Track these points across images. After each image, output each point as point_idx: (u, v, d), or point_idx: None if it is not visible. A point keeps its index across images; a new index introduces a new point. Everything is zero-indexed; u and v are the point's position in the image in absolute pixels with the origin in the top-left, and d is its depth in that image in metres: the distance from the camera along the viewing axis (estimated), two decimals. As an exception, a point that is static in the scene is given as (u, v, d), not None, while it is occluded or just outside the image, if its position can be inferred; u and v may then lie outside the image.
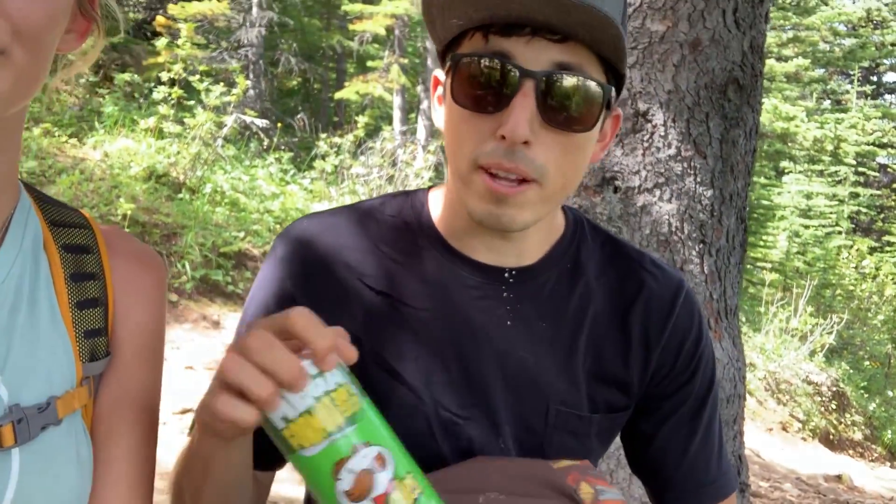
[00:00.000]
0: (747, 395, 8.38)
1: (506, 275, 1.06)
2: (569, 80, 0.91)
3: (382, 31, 12.15)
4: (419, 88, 13.81)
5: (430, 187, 1.15)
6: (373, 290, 1.05)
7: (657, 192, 2.19)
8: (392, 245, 1.08)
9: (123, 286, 0.92)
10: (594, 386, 1.08)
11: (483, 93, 0.93)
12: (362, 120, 9.95)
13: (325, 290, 1.05)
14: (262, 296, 1.08)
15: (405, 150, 10.52)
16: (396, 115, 13.15)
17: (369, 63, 13.53)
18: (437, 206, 1.10)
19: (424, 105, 13.10)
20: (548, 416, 1.06)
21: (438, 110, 1.07)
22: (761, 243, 13.75)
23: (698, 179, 2.21)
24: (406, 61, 13.49)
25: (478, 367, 1.04)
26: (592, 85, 0.93)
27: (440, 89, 1.06)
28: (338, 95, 12.94)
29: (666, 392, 1.12)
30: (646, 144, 2.20)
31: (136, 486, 0.90)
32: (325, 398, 0.75)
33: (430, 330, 1.04)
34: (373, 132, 11.32)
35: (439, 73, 1.06)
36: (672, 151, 2.20)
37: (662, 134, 2.20)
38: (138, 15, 11.86)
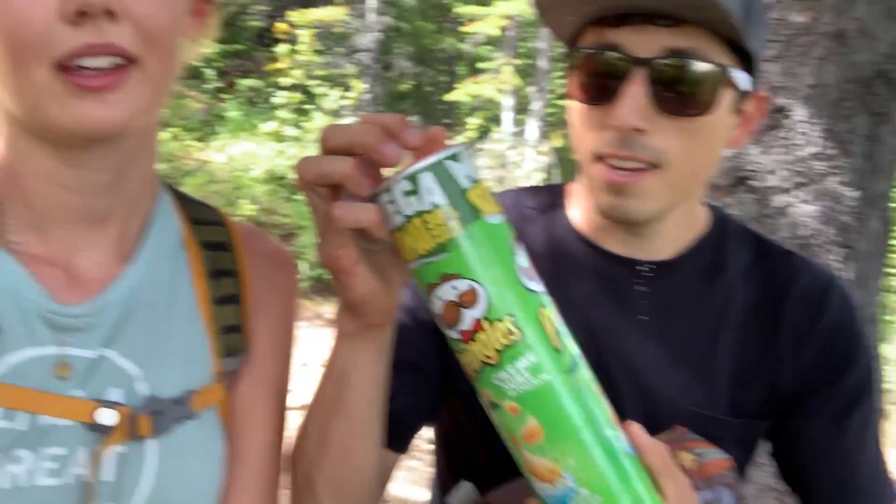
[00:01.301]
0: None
1: (641, 268, 1.04)
2: (678, 64, 0.90)
3: (495, 32, 12.16)
4: (531, 89, 13.73)
5: (567, 182, 1.15)
6: None
7: (796, 193, 2.08)
8: (528, 237, 1.06)
9: (259, 284, 0.94)
10: (735, 388, 1.03)
11: (595, 85, 0.93)
12: (473, 121, 9.98)
13: None
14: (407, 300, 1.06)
15: (516, 151, 10.49)
16: (507, 116, 13.12)
17: (481, 64, 13.56)
18: (574, 200, 1.10)
19: (536, 106, 13.01)
20: (679, 418, 1.00)
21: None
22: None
23: (842, 179, 2.08)
24: (519, 62, 13.45)
25: (605, 362, 1.00)
26: (704, 66, 0.90)
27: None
28: (448, 97, 13.04)
29: (815, 388, 1.05)
30: (784, 142, 2.09)
31: (268, 482, 0.91)
32: (416, 219, 0.71)
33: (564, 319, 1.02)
34: (483, 133, 11.35)
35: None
36: (813, 149, 2.08)
37: (803, 131, 2.08)
38: (260, 23, 12.32)
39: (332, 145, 0.73)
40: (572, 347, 0.75)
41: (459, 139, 9.97)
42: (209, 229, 0.93)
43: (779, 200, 2.09)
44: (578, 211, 1.09)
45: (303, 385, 1.01)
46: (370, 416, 0.89)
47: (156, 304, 0.84)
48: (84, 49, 0.68)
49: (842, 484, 1.07)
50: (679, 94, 0.90)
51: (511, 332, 0.71)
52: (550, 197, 1.12)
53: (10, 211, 0.78)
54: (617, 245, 1.04)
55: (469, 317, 0.72)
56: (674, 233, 1.05)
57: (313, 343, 5.58)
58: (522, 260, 0.74)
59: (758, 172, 2.10)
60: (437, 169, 0.70)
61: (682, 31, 0.89)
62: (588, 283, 1.04)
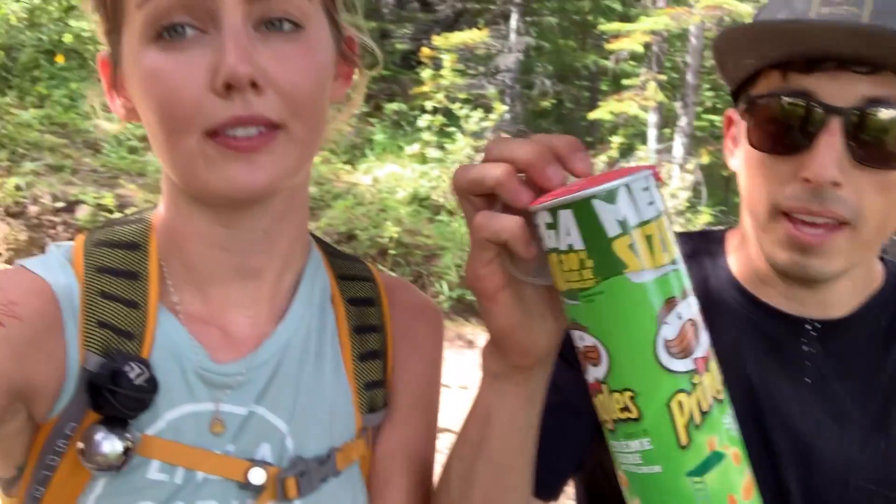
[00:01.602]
0: None
1: (808, 326, 0.99)
2: (884, 115, 0.84)
3: (640, 49, 11.91)
4: (677, 105, 13.32)
5: (728, 228, 1.10)
6: None
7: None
8: None
9: (402, 337, 0.96)
10: None
11: (783, 134, 0.88)
12: (616, 139, 9.81)
13: None
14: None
15: (661, 169, 10.20)
16: (652, 133, 12.79)
17: (624, 81, 13.31)
18: (733, 248, 1.05)
19: (682, 122, 12.61)
20: (848, 494, 0.95)
21: (733, 152, 1.02)
22: None
23: None
24: (664, 77, 13.10)
25: (766, 428, 0.96)
26: None
27: (733, 130, 1.02)
28: (591, 116, 12.87)
29: None
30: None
31: None
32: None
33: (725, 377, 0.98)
34: (626, 151, 11.10)
35: (733, 113, 1.01)
36: None
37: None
38: (405, 45, 12.68)
39: (495, 156, 0.67)
40: (712, 443, 0.64)
41: (602, 158, 9.82)
42: (356, 284, 0.96)
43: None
44: (737, 260, 1.04)
45: (442, 406, 1.01)
46: (516, 465, 0.83)
47: (304, 360, 0.87)
48: (232, 121, 0.72)
49: None
50: (882, 146, 0.85)
51: (628, 409, 0.63)
52: (707, 243, 1.08)
53: (170, 272, 0.84)
54: (782, 301, 0.99)
55: (592, 374, 0.65)
56: (847, 289, 0.99)
57: (453, 364, 5.66)
58: (670, 332, 0.62)
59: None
60: (580, 207, 0.61)
61: (882, 79, 0.83)
62: (748, 340, 0.99)
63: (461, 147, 8.44)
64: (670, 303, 0.62)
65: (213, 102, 0.72)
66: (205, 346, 0.82)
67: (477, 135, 8.90)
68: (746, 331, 1.00)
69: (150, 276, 0.82)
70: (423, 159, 8.36)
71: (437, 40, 10.06)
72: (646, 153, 11.36)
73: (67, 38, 7.07)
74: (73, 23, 7.17)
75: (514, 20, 12.78)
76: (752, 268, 1.01)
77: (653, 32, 11.73)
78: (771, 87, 0.89)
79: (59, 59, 7.01)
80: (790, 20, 0.87)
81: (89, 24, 7.10)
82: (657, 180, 0.63)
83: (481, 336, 6.14)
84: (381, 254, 6.44)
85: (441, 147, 8.52)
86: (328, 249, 0.98)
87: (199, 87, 0.72)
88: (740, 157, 0.97)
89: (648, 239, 0.61)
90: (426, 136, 8.33)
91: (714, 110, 16.47)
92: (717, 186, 15.14)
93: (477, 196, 0.69)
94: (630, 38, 11.65)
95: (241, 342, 0.85)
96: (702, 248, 1.07)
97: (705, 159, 11.67)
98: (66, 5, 7.24)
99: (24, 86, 6.72)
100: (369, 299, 0.95)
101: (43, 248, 0.99)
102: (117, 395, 0.74)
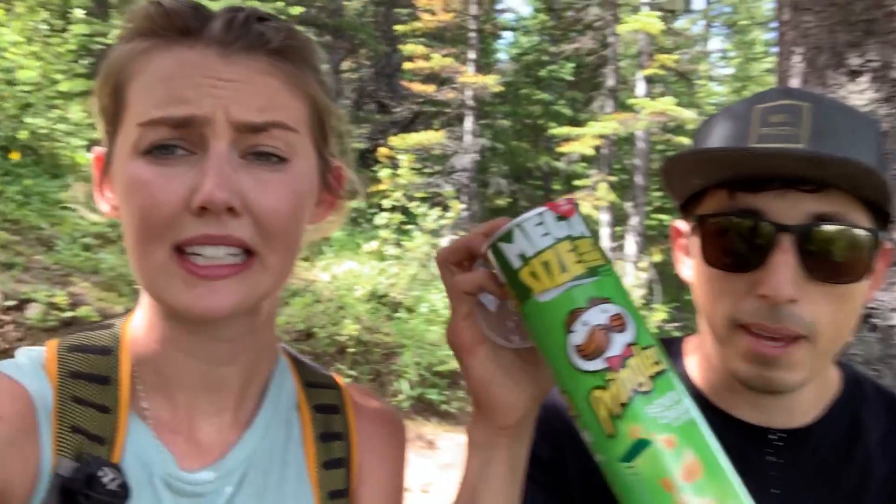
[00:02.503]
0: None
1: (772, 437, 0.99)
2: (832, 231, 0.87)
3: (590, 152, 12.35)
4: (628, 205, 13.74)
5: (684, 336, 1.11)
6: None
7: (924, 332, 1.97)
8: None
9: (367, 446, 0.95)
10: None
11: (736, 252, 0.90)
12: (571, 238, 10.01)
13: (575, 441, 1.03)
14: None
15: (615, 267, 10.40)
16: (605, 231, 13.12)
17: (576, 182, 13.73)
18: (693, 357, 1.06)
19: (633, 221, 12.98)
20: None
21: (684, 262, 1.04)
22: None
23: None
24: (614, 178, 13.55)
25: None
26: (859, 233, 0.87)
27: (682, 240, 1.04)
28: (546, 214, 13.18)
29: None
30: (906, 279, 2.00)
31: None
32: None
33: None
34: (581, 250, 11.32)
35: (680, 224, 1.04)
36: (939, 286, 1.98)
37: (926, 266, 1.99)
38: (362, 144, 12.94)
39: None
40: (635, 431, 0.72)
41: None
42: (322, 392, 0.96)
43: (905, 339, 1.99)
44: (697, 368, 1.04)
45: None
46: None
47: (269, 469, 0.87)
48: (202, 238, 0.74)
49: None
50: (832, 262, 0.87)
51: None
52: (667, 354, 1.10)
53: (141, 377, 0.84)
54: (746, 410, 0.99)
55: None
56: (809, 397, 1.00)
57: (414, 466, 5.52)
58: (578, 338, 0.73)
59: (880, 311, 2.01)
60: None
61: (827, 196, 0.86)
62: None
63: (419, 244, 8.52)
64: (574, 314, 0.71)
65: (188, 219, 0.74)
66: (172, 452, 0.82)
67: (435, 232, 9.02)
68: None
69: (122, 380, 0.82)
70: (381, 256, 8.41)
71: (394, 140, 10.32)
72: (599, 251, 11.58)
73: (22, 135, 7.05)
74: (28, 119, 7.16)
75: (468, 122, 13.19)
76: (713, 378, 1.02)
77: (602, 136, 12.20)
78: (720, 207, 0.92)
79: (14, 156, 6.96)
80: (734, 149, 0.90)
81: (46, 121, 7.17)
82: (558, 211, 0.74)
83: (442, 437, 6.03)
84: (340, 352, 6.36)
85: (399, 244, 8.59)
86: (293, 357, 0.99)
87: (177, 203, 0.74)
88: (693, 270, 0.99)
89: (546, 265, 0.73)
90: (384, 233, 8.40)
91: (662, 210, 17.01)
92: (670, 284, 15.45)
93: (454, 264, 0.82)
94: (580, 141, 12.10)
95: (208, 450, 0.85)
96: None
97: (657, 257, 11.95)
98: (23, 103, 7.26)
99: (-23, 182, 6.65)
100: (334, 406, 0.95)
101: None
102: (91, 499, 0.73)
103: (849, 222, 0.87)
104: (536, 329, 0.74)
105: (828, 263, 0.87)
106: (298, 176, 0.80)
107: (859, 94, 2.08)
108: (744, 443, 0.98)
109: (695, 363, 1.05)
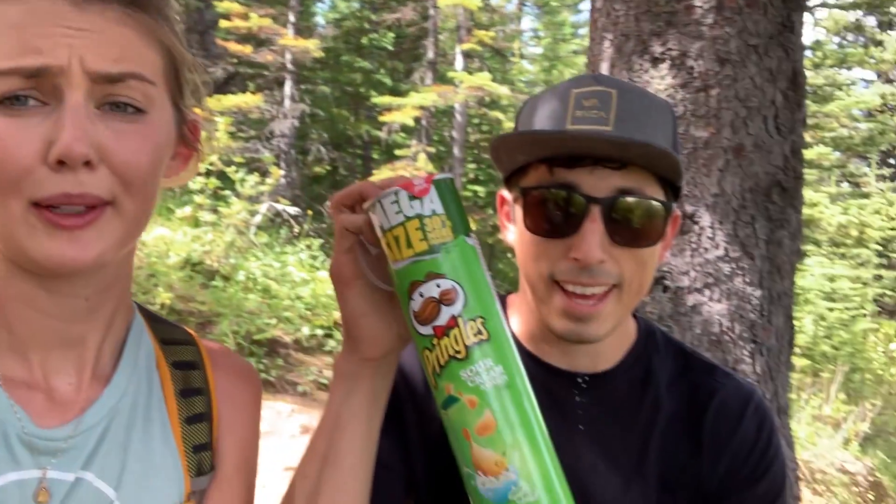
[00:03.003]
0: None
1: (579, 380, 1.12)
2: (632, 203, 1.00)
3: (410, 122, 12.49)
4: (445, 175, 14.06)
5: (507, 293, 1.23)
6: None
7: (707, 293, 2.24)
8: None
9: (226, 401, 0.97)
10: (663, 492, 1.12)
11: (553, 220, 1.02)
12: (391, 208, 10.09)
13: (420, 405, 1.12)
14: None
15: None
16: (423, 201, 13.34)
17: (397, 151, 13.85)
18: (514, 310, 1.18)
19: (450, 192, 13.30)
20: None
21: (508, 227, 1.16)
22: (789, 328, 13.59)
23: (747, 280, 2.25)
24: (433, 149, 13.81)
25: None
26: (654, 204, 1.02)
27: (506, 208, 1.15)
28: (365, 183, 13.18)
29: (729, 492, 1.14)
30: (694, 245, 2.25)
31: None
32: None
33: None
34: (400, 219, 11.45)
35: (505, 193, 1.15)
36: (720, 252, 2.25)
37: (710, 235, 2.26)
38: (174, 106, 12.25)
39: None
40: (449, 388, 0.84)
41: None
42: (179, 349, 0.96)
43: (692, 299, 2.24)
44: (518, 322, 1.16)
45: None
46: (361, 472, 0.96)
47: (131, 425, 0.87)
48: (61, 198, 0.73)
49: None
50: (632, 229, 1.01)
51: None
52: None
53: None
54: (558, 358, 1.12)
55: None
56: (611, 346, 1.14)
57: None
58: (415, 305, 0.84)
59: (672, 273, 2.25)
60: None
61: (629, 173, 1.00)
62: (536, 396, 1.11)
63: (236, 211, 8.28)
64: (413, 285, 0.83)
65: (44, 174, 0.72)
66: (27, 411, 0.80)
67: (253, 199, 8.79)
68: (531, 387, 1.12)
69: None
70: (195, 223, 8.09)
71: (210, 102, 9.85)
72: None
73: None
74: None
75: (288, 87, 12.89)
76: (530, 330, 1.14)
77: (422, 107, 12.37)
78: (540, 180, 1.03)
79: None
80: (553, 132, 1.02)
81: None
82: (412, 192, 0.83)
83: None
84: (152, 321, 6.09)
85: (215, 210, 8.30)
86: (149, 315, 0.98)
87: (32, 156, 0.72)
88: (516, 235, 1.11)
89: (396, 239, 0.84)
90: (199, 198, 8.07)
91: (477, 181, 17.57)
92: (483, 252, 16.04)
93: (345, 205, 0.91)
94: (401, 111, 12.20)
95: (67, 407, 0.83)
96: None
97: (473, 226, 12.34)
98: None
99: None
100: (192, 363, 0.96)
101: None
102: None
103: (646, 195, 1.01)
104: (465, 258, 0.84)
105: (629, 230, 1.01)
106: (156, 128, 0.80)
107: (660, 80, 2.30)
108: (556, 386, 1.11)
109: (515, 317, 1.17)
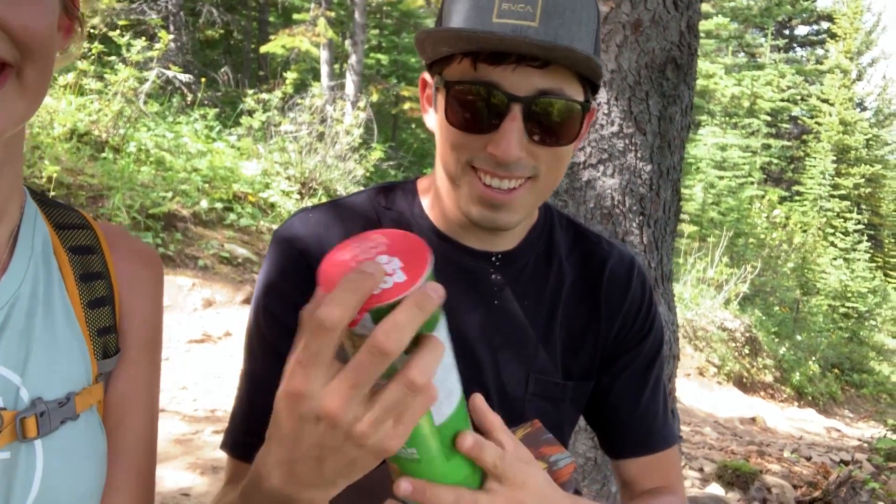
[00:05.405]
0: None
1: (493, 259, 1.17)
2: (553, 103, 1.00)
3: (308, -17, 11.86)
4: (347, 43, 13.57)
5: (416, 178, 1.24)
6: None
7: (601, 168, 2.30)
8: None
9: (127, 284, 0.97)
10: (568, 355, 1.21)
11: (474, 116, 1.02)
12: (290, 75, 9.77)
13: None
14: (270, 309, 1.13)
15: (335, 106, 10.40)
16: (324, 70, 12.92)
17: (295, 16, 13.20)
18: (427, 195, 1.20)
19: (352, 60, 12.90)
20: (528, 384, 1.18)
21: (428, 112, 1.15)
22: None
23: (639, 155, 2.33)
24: (333, 14, 13.23)
25: (471, 344, 1.15)
26: (575, 105, 1.02)
27: (428, 92, 1.14)
28: (263, 49, 12.60)
29: (623, 350, 1.25)
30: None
31: (142, 475, 0.96)
32: None
33: None
34: (300, 87, 11.12)
35: (427, 77, 1.14)
36: (615, 129, 2.30)
37: (606, 112, 2.30)
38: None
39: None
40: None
41: (276, 94, 9.72)
42: (75, 233, 0.94)
43: (587, 175, 2.31)
44: (431, 206, 1.19)
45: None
46: None
47: (32, 312, 0.86)
48: None
49: (643, 426, 1.28)
50: (551, 128, 1.02)
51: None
52: (404, 195, 1.21)
53: None
54: (474, 240, 1.16)
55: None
56: (520, 226, 1.18)
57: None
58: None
59: (568, 149, 2.30)
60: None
61: (551, 72, 0.99)
62: (455, 276, 1.16)
63: (124, 78, 7.82)
64: None
65: None
66: None
67: (140, 65, 8.30)
68: (447, 268, 1.16)
69: None
70: (80, 91, 7.60)
71: (88, -43, 9.07)
72: (319, 90, 11.46)
73: None
74: None
75: (174, -59, 11.94)
76: (445, 214, 1.16)
77: (321, -33, 11.74)
78: (463, 75, 1.02)
79: None
80: (480, 31, 0.99)
81: None
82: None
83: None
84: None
85: (101, 78, 7.81)
86: (41, 199, 0.95)
87: None
88: (436, 122, 1.11)
89: None
90: (82, 65, 7.56)
91: (380, 48, 17.08)
92: (386, 123, 15.83)
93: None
94: (299, -30, 11.54)
95: None
96: (400, 199, 1.21)
97: (375, 97, 12.13)
98: None
99: None
100: (90, 247, 0.95)
101: None
102: None
103: (566, 96, 1.01)
104: None
105: (548, 130, 1.02)
106: None
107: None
108: (472, 265, 1.16)
109: (428, 201, 1.19)
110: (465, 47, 1.00)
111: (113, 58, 8.13)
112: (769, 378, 11.03)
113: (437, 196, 1.17)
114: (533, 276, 1.20)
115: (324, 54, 12.81)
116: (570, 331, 1.21)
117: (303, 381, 0.63)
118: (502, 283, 1.18)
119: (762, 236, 16.44)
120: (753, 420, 8.86)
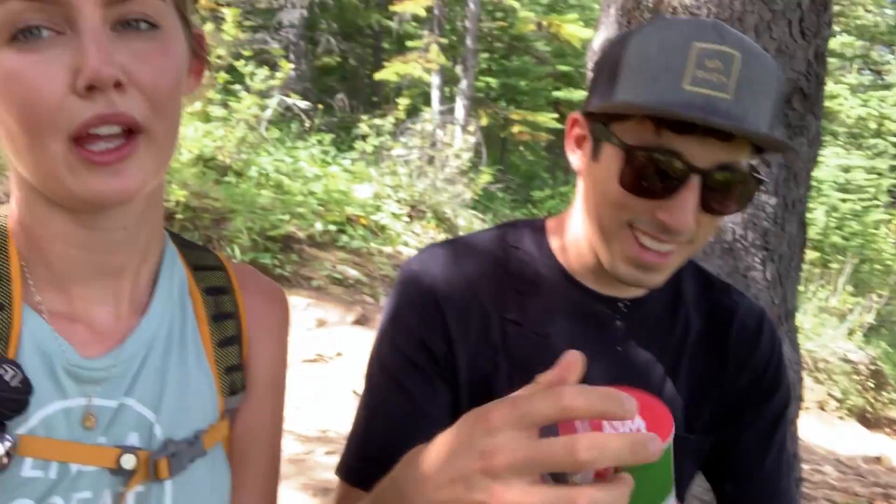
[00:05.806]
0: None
1: (620, 304, 1.15)
2: (731, 176, 0.98)
3: (422, 12, 12.13)
4: (458, 68, 13.77)
5: (544, 217, 1.24)
6: (506, 319, 1.14)
7: (722, 201, 2.23)
8: (517, 276, 1.16)
9: (255, 322, 1.00)
10: (692, 407, 1.17)
11: (650, 182, 0.99)
12: (402, 101, 9.99)
13: (460, 327, 1.14)
14: (396, 341, 1.16)
15: (444, 130, 10.56)
16: (435, 95, 13.14)
17: (408, 43, 13.50)
18: (556, 237, 1.19)
19: (463, 84, 13.07)
20: None
21: (575, 152, 1.13)
22: (801, 222, 13.58)
23: (762, 188, 2.25)
24: (445, 40, 13.45)
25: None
26: (750, 177, 1.00)
27: (577, 131, 1.11)
28: (377, 76, 12.95)
29: (748, 406, 1.21)
30: (711, 154, 2.24)
31: None
32: None
33: (556, 355, 1.12)
34: (412, 112, 11.34)
35: (578, 116, 1.11)
36: (737, 161, 2.23)
37: (727, 144, 2.23)
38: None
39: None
40: None
41: (389, 119, 9.96)
42: (210, 274, 0.99)
43: (707, 208, 2.24)
44: (560, 248, 1.17)
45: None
46: None
47: (168, 351, 0.90)
48: (95, 120, 0.72)
49: (765, 489, 1.24)
50: (724, 199, 1.00)
51: None
52: (532, 234, 1.21)
53: (32, 272, 0.83)
54: (601, 285, 1.15)
55: None
56: None
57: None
58: None
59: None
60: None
61: (734, 146, 0.97)
62: (581, 321, 1.15)
63: (247, 105, 8.20)
64: None
65: (75, 104, 0.71)
66: (71, 342, 0.82)
67: (263, 93, 8.68)
68: (573, 312, 1.15)
69: (13, 276, 0.81)
70: (206, 118, 8.02)
71: (216, -9, 9.60)
72: (430, 115, 11.66)
73: None
74: None
75: (295, -26, 12.48)
76: (579, 260, 1.15)
77: (434, -5, 11.99)
78: (643, 138, 0.99)
79: None
80: (673, 102, 0.96)
81: None
82: None
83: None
84: (168, 218, 6.15)
85: (225, 105, 8.22)
86: (180, 242, 1.00)
87: (61, 89, 0.71)
88: (592, 172, 1.08)
89: None
90: (209, 93, 7.97)
91: (490, 72, 17.21)
92: (495, 146, 15.89)
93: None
94: (413, 0, 11.84)
95: (107, 337, 0.86)
96: (528, 239, 1.20)
97: (484, 121, 12.22)
98: None
99: None
100: (223, 288, 0.99)
101: None
102: None
103: (743, 168, 0.99)
104: None
105: (722, 200, 1.00)
106: (172, 43, 0.78)
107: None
108: (598, 310, 1.15)
109: (558, 243, 1.18)
110: (650, 113, 0.98)
111: (237, 86, 8.53)
112: (895, 413, 10.34)
113: (570, 239, 1.16)
114: (658, 324, 1.17)
115: (435, 80, 13.04)
116: (694, 382, 1.18)
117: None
118: (627, 330, 1.16)
119: (889, 263, 15.48)
120: (878, 459, 8.30)
